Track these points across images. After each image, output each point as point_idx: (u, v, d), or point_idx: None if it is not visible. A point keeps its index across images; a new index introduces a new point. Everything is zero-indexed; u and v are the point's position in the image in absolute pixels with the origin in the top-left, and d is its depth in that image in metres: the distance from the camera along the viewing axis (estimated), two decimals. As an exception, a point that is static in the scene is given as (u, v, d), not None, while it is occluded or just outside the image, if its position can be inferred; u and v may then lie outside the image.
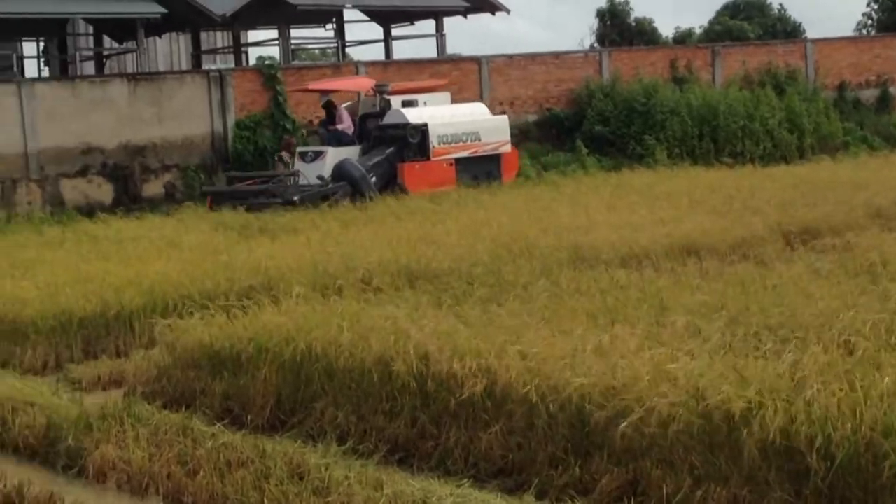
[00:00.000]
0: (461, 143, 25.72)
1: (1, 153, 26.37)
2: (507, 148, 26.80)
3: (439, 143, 25.38)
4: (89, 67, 37.94)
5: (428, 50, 41.44)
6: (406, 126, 25.18)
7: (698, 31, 53.37)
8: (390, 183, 24.63)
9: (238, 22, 35.74)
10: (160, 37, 39.26)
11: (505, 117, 27.85)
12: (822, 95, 35.63)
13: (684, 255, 14.65)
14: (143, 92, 28.11)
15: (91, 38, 37.67)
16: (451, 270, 13.75)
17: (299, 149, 26.20)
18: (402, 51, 37.25)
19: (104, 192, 28.29)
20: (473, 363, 8.66)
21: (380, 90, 26.42)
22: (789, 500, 6.93)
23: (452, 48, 37.13)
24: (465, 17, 37.08)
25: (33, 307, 13.40)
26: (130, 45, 35.81)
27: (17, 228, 23.01)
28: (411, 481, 7.70)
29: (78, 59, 36.60)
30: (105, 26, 35.72)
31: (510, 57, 33.66)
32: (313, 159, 25.11)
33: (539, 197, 22.43)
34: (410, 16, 37.64)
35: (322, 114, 27.42)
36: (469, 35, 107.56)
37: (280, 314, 10.89)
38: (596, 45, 48.49)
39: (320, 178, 24.25)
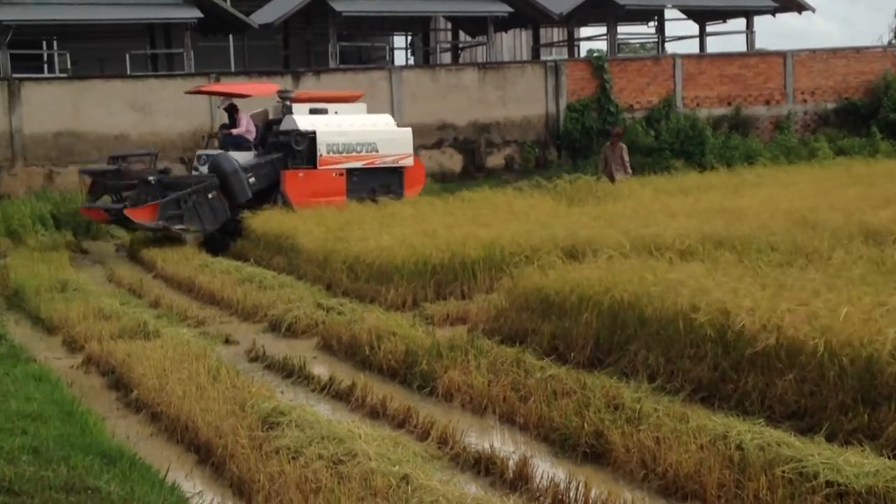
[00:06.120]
0: (354, 154, 21.17)
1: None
2: (410, 161, 21.98)
3: (328, 152, 20.95)
4: (446, 57, 38.78)
5: (734, 45, 40.37)
6: (293, 132, 20.94)
7: None
8: (274, 189, 20.77)
9: (572, 19, 35.63)
10: (506, 32, 39.63)
11: (408, 130, 22.72)
12: None
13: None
14: (490, 78, 28.60)
15: (449, 33, 38.44)
16: (752, 237, 13.36)
17: (198, 152, 22.36)
18: (712, 46, 36.34)
19: (455, 162, 29.16)
20: (765, 319, 8.40)
21: (281, 96, 22.01)
22: None
23: (757, 44, 35.93)
24: (774, 15, 35.71)
25: (398, 255, 13.91)
26: (481, 38, 36.35)
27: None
28: (713, 417, 7.55)
29: (438, 50, 37.53)
30: (461, 23, 36.42)
31: (813, 51, 32.77)
32: (205, 163, 21.13)
33: (833, 177, 21.47)
34: (724, 14, 36.59)
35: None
36: (770, 31, 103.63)
37: (599, 268, 10.90)
38: (894, 41, 45.90)
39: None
